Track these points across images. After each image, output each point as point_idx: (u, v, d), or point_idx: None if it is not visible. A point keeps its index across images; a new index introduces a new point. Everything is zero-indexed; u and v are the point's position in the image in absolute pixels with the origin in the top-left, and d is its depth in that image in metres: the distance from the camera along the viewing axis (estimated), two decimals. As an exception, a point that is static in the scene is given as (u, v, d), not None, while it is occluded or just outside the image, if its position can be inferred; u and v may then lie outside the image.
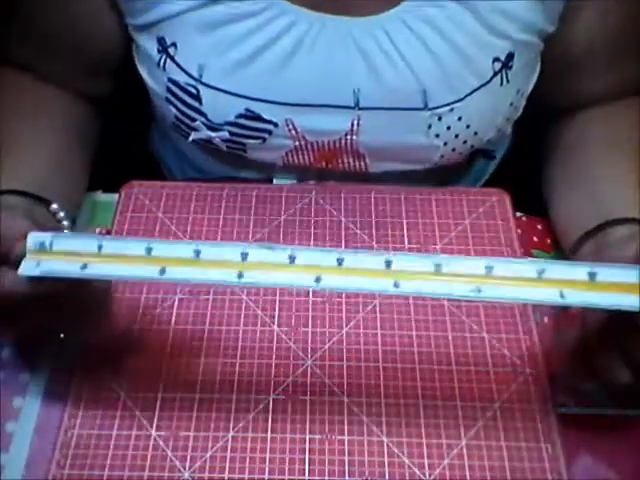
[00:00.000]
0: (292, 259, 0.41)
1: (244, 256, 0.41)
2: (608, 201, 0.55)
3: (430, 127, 0.57)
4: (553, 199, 0.62)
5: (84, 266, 0.41)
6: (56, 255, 0.42)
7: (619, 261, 0.45)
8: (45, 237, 0.42)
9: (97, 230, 0.61)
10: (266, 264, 0.41)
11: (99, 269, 0.41)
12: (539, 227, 0.63)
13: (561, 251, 0.59)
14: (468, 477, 0.47)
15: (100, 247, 0.41)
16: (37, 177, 0.54)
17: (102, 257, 0.41)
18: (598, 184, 0.58)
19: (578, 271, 0.40)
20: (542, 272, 0.40)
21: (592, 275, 0.40)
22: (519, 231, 0.61)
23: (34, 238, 0.42)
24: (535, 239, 0.62)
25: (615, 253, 0.47)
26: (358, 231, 0.61)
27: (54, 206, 0.52)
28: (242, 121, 0.57)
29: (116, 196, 0.63)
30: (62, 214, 0.52)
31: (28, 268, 0.41)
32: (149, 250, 0.41)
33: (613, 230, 0.51)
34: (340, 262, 0.41)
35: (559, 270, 0.40)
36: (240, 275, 0.41)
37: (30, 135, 0.58)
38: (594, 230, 0.53)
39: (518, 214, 0.63)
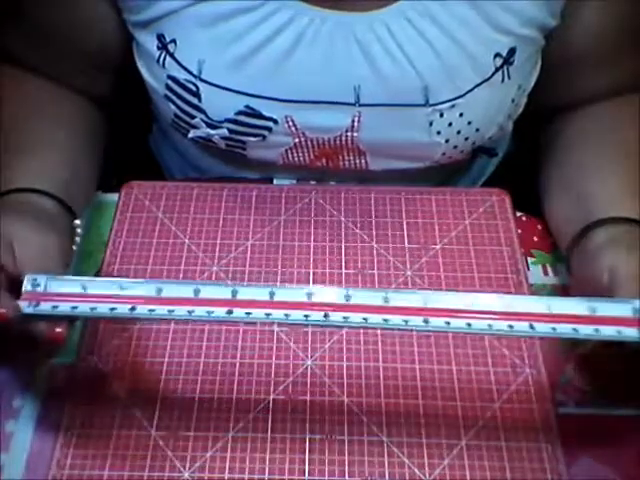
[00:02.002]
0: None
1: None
2: (593, 203, 0.55)
3: (431, 124, 0.57)
4: (545, 201, 0.62)
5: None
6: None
7: (592, 272, 0.47)
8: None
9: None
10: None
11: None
12: (539, 227, 0.63)
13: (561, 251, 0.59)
14: (468, 477, 0.47)
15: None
16: (61, 179, 0.55)
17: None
18: (587, 186, 0.57)
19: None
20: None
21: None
22: (519, 231, 0.61)
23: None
24: (535, 239, 0.62)
25: (590, 264, 0.49)
26: (358, 231, 0.61)
27: (77, 222, 0.54)
28: (242, 118, 0.57)
29: (116, 196, 0.63)
30: (79, 230, 0.54)
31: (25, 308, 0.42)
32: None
33: (593, 234, 0.52)
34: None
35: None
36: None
37: (50, 137, 0.58)
38: (579, 236, 0.53)
39: (518, 214, 0.63)
